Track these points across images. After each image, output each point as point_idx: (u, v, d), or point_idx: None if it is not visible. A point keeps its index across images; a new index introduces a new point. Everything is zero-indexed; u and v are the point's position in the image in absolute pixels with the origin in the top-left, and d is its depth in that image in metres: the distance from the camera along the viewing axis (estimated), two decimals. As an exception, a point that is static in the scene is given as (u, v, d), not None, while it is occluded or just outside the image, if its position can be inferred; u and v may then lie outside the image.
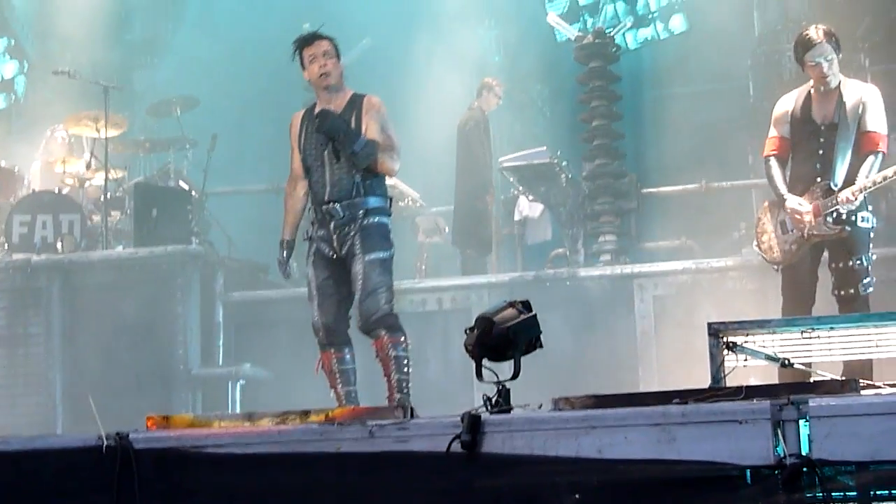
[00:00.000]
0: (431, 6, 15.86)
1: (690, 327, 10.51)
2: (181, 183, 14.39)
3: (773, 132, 8.60)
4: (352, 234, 7.78)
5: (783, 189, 8.43)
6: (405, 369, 7.77)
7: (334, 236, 7.84)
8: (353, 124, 7.82)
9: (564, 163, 13.02)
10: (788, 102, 8.59)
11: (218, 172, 15.01)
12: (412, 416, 6.21)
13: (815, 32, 8.48)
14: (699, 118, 17.38)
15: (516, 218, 14.55)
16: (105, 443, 5.87)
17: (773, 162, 8.55)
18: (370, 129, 7.82)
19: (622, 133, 13.56)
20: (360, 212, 7.81)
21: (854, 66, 14.74)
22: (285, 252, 8.12)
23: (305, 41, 7.97)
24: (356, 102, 7.94)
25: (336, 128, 7.74)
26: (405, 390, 7.71)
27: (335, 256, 7.88)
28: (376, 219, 7.85)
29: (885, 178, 8.15)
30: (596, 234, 13.10)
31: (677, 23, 14.12)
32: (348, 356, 7.97)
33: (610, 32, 13.76)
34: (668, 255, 13.67)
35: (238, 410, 11.86)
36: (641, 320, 11.49)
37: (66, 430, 11.66)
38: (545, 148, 13.14)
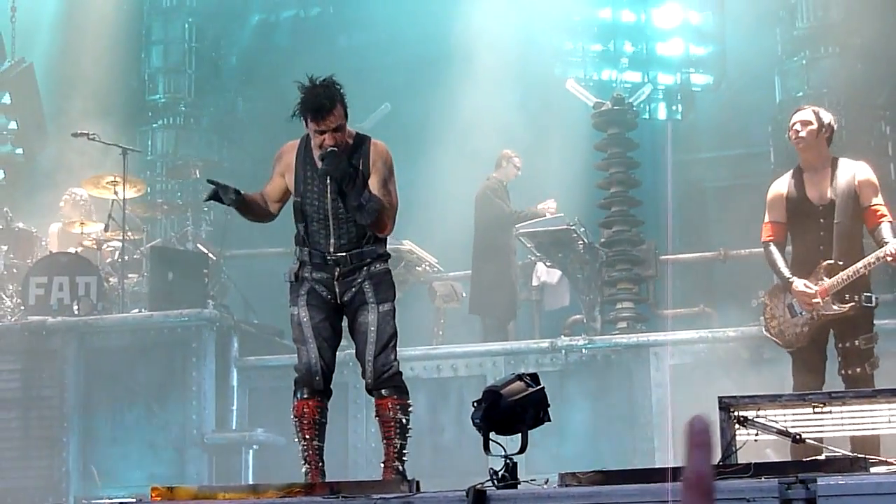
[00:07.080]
0: (452, 70, 15.91)
1: (706, 397, 10.39)
2: (199, 246, 14.40)
3: (767, 217, 8.58)
4: (359, 280, 7.20)
5: (787, 273, 8.38)
6: (408, 436, 7.19)
7: (336, 282, 7.21)
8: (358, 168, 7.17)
9: (582, 229, 12.99)
10: (781, 186, 8.55)
11: (236, 235, 15.02)
12: (418, 489, 6.15)
13: (805, 107, 8.60)
14: (720, 184, 17.37)
15: (534, 283, 14.54)
16: (107, 514, 5.84)
17: (773, 247, 8.51)
18: (373, 181, 7.15)
19: (640, 200, 13.54)
20: (368, 259, 7.23)
21: (875, 134, 14.76)
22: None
23: (314, 114, 7.03)
24: (361, 146, 7.22)
25: (345, 174, 7.03)
26: (405, 458, 7.13)
27: (334, 302, 7.27)
28: (384, 265, 7.30)
29: (877, 259, 8.13)
30: (613, 301, 13.05)
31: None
32: (328, 409, 7.33)
33: (629, 99, 13.77)
34: (686, 322, 13.57)
35: (251, 476, 11.84)
36: (657, 389, 11.42)
37: (77, 494, 11.63)
38: (563, 214, 13.14)
